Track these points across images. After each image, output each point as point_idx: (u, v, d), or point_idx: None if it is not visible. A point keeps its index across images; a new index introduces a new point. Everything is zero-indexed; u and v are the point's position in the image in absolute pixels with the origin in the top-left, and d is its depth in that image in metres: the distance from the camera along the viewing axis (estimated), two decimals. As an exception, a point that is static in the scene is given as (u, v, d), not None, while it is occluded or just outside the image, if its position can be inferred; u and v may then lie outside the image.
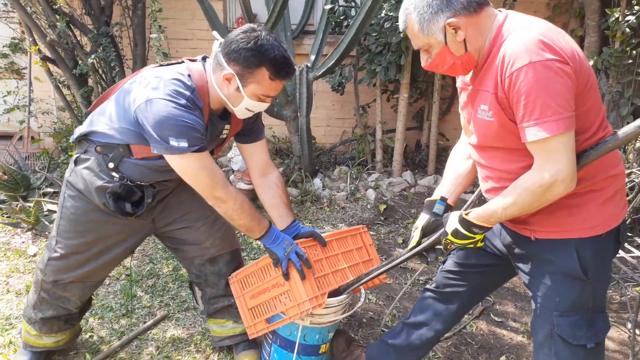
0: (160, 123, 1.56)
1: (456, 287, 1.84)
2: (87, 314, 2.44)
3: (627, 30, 3.44)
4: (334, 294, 1.94)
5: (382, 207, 3.88)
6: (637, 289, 2.61)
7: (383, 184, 4.19)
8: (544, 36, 1.28)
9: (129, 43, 4.32)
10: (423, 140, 4.70)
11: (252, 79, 1.62)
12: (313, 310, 1.80)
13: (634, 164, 3.32)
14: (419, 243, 1.68)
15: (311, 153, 4.14)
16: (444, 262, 1.92)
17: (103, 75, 4.16)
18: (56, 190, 3.79)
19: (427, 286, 1.95)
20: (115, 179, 1.76)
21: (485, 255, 1.76)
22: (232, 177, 3.86)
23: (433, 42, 1.41)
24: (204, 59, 1.77)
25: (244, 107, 1.69)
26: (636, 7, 3.41)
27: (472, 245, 1.51)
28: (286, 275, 1.83)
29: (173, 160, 1.64)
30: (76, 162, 1.81)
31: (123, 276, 2.85)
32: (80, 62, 4.04)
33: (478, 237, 1.48)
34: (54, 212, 3.43)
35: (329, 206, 3.94)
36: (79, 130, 1.82)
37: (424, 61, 1.49)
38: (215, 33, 1.79)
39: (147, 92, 1.60)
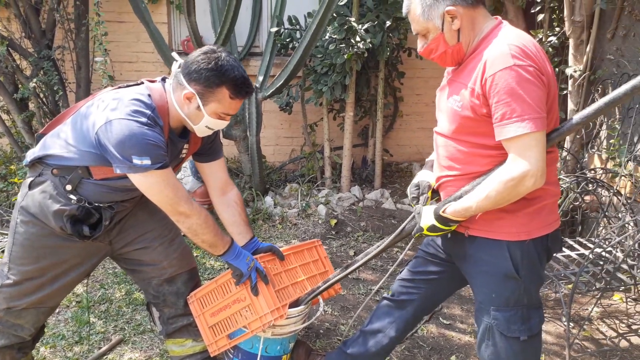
0: (122, 142, 1.59)
1: (409, 294, 1.95)
2: (37, 344, 2.36)
3: (550, 50, 3.78)
4: (293, 305, 2.01)
5: (333, 221, 4.00)
6: (569, 286, 2.85)
7: (333, 199, 4.31)
8: (526, 47, 1.44)
9: (72, 66, 4.25)
10: (369, 156, 4.89)
11: (213, 97, 1.70)
12: (275, 321, 1.86)
13: (561, 171, 3.63)
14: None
15: (262, 172, 4.21)
16: (401, 271, 2.04)
17: (45, 100, 4.06)
18: (-4, 218, 3.63)
19: (384, 294, 2.06)
20: (72, 201, 1.76)
21: (435, 263, 1.89)
22: (183, 198, 3.85)
23: (431, 27, 1.53)
24: (164, 79, 1.82)
25: (204, 125, 1.75)
26: (557, 29, 3.77)
27: (443, 233, 1.63)
28: (255, 289, 1.88)
29: (136, 179, 1.67)
30: (30, 186, 1.79)
31: (73, 303, 2.77)
32: (20, 86, 3.92)
33: (452, 227, 1.60)
34: (-5, 241, 3.29)
35: (281, 223, 4.01)
36: (33, 154, 1.80)
37: (420, 46, 1.61)
38: (174, 54, 1.85)
39: (106, 114, 1.63)
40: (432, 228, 1.61)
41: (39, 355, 2.30)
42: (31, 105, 4.05)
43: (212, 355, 2.07)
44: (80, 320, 2.57)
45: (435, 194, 1.79)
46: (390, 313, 2.00)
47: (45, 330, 2.46)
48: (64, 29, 4.07)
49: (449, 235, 1.67)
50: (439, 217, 1.58)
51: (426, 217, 1.62)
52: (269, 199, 4.23)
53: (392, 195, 4.57)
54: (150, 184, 1.67)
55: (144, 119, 1.63)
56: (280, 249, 2.09)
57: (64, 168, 1.75)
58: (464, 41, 1.55)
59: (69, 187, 1.75)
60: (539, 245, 1.59)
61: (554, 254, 1.75)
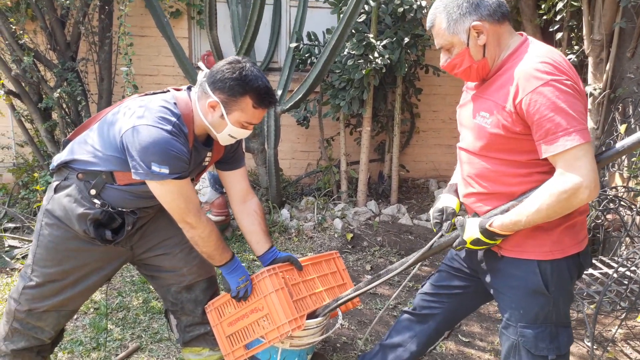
0: (146, 149, 1.62)
1: (432, 309, 1.91)
2: (55, 349, 2.37)
3: (569, 68, 3.76)
4: (311, 317, 1.99)
5: (349, 235, 3.98)
6: (592, 306, 2.79)
7: (349, 213, 4.30)
8: (558, 62, 1.42)
9: (95, 78, 4.33)
10: (385, 171, 4.88)
11: (236, 107, 1.72)
12: (293, 332, 1.85)
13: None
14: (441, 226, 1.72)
15: (279, 184, 4.22)
16: (422, 286, 2.01)
17: (67, 110, 4.14)
18: (17, 225, 3.68)
19: (405, 308, 2.03)
20: (96, 205, 1.78)
21: (460, 278, 1.86)
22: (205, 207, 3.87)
23: (456, 42, 1.52)
24: (189, 88, 1.85)
25: (227, 133, 1.77)
26: (576, 47, 3.76)
27: (486, 247, 1.59)
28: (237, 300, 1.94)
29: (152, 185, 1.70)
30: (56, 190, 1.82)
31: (91, 310, 2.78)
32: (44, 96, 4.01)
33: (497, 242, 1.56)
34: (15, 247, 3.33)
35: (297, 236, 4.00)
36: (59, 158, 1.84)
37: (443, 61, 1.59)
38: (200, 64, 1.89)
39: (132, 121, 1.66)
40: (476, 242, 1.56)
41: (57, 361, 2.31)
42: (54, 115, 4.13)
43: (228, 366, 2.06)
44: (97, 327, 2.58)
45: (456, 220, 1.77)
46: (411, 327, 1.97)
47: (65, 336, 2.48)
48: (88, 42, 4.17)
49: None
50: (484, 231, 1.52)
51: (470, 229, 1.57)
52: (285, 212, 4.24)
53: (408, 210, 4.54)
54: (164, 191, 1.71)
55: (169, 127, 1.66)
56: (300, 259, 2.08)
57: (89, 173, 1.78)
58: (490, 57, 1.53)
59: (93, 192, 1.78)
60: (570, 262, 1.56)
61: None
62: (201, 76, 1.79)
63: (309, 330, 1.96)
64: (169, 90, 1.83)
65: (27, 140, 4.27)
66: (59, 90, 3.84)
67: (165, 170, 1.65)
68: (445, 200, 1.78)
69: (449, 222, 1.71)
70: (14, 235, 3.48)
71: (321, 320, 1.99)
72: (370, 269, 3.56)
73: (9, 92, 4.03)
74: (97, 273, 1.93)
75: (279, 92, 4.17)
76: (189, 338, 2.15)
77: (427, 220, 4.38)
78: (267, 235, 2.08)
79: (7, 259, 3.22)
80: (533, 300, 1.57)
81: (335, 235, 4.02)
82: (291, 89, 4.34)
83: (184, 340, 2.17)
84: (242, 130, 1.78)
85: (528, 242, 1.55)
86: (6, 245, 3.36)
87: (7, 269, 3.17)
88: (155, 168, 1.64)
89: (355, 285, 2.08)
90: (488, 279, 1.70)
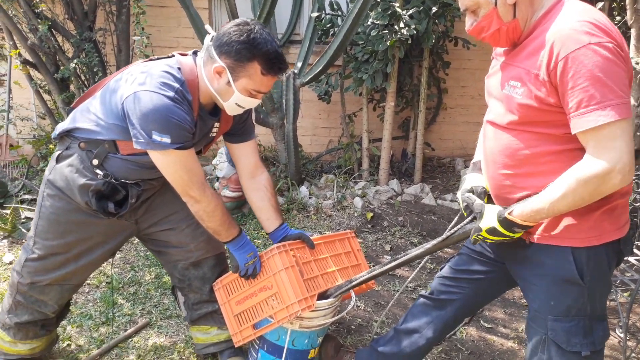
0: (146, 116, 1.52)
1: (450, 294, 1.78)
2: (64, 322, 2.34)
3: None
4: (322, 297, 1.89)
5: (369, 215, 3.85)
6: (626, 293, 2.61)
7: (370, 192, 4.16)
8: (600, 21, 1.22)
9: (113, 49, 4.26)
10: (409, 149, 4.71)
11: (244, 72, 1.59)
12: (302, 312, 1.75)
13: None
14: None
15: (297, 161, 4.10)
16: (441, 269, 1.88)
17: (85, 81, 4.09)
18: (34, 197, 3.67)
19: (422, 292, 1.91)
20: (99, 176, 1.71)
21: (482, 262, 1.71)
22: (216, 184, 3.79)
23: (482, 2, 1.35)
24: (195, 53, 1.73)
25: (234, 102, 1.65)
26: (618, 17, 3.49)
27: (505, 239, 1.42)
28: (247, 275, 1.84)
29: (154, 155, 1.60)
30: (58, 160, 1.74)
31: (103, 284, 2.75)
32: (62, 66, 3.96)
33: (517, 235, 1.39)
34: (32, 219, 3.32)
35: (316, 214, 3.90)
36: (61, 127, 1.76)
37: (469, 24, 1.42)
38: (207, 27, 1.76)
39: (134, 87, 1.56)
40: (492, 231, 1.40)
41: (65, 334, 2.27)
42: (72, 87, 4.09)
43: (236, 346, 1.98)
44: (108, 301, 2.54)
45: (491, 200, 1.60)
46: (428, 312, 1.84)
47: (73, 309, 2.46)
48: (105, 11, 4.08)
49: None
50: (503, 220, 1.37)
51: (487, 217, 1.42)
52: (304, 189, 4.13)
53: (432, 190, 4.38)
54: (166, 162, 1.61)
55: (171, 93, 1.55)
56: (312, 238, 1.97)
57: (91, 142, 1.70)
58: (521, 17, 1.34)
59: (95, 162, 1.70)
60: (609, 249, 1.38)
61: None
62: (208, 40, 1.67)
63: (319, 311, 1.85)
64: (173, 55, 1.71)
65: (45, 112, 4.25)
66: (75, 60, 3.78)
67: (167, 140, 1.54)
68: (472, 179, 1.63)
69: (481, 202, 1.54)
70: (31, 208, 3.47)
71: (333, 302, 1.88)
72: (390, 249, 3.44)
73: (25, 62, 3.99)
74: (101, 247, 1.87)
75: (299, 65, 4.02)
76: (197, 316, 2.09)
77: (452, 201, 4.21)
78: (278, 212, 1.97)
79: (23, 230, 3.21)
80: (566, 291, 1.41)
81: (355, 214, 3.90)
82: (311, 63, 4.18)
83: (191, 318, 2.11)
84: (250, 99, 1.65)
85: (561, 227, 1.38)
86: (22, 217, 3.35)
87: (23, 241, 3.16)
88: (156, 137, 1.54)
89: (372, 267, 1.96)
90: (514, 266, 1.55)
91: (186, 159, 1.62)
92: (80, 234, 1.81)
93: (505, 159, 1.44)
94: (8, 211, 3.26)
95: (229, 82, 1.61)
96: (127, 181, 1.77)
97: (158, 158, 1.61)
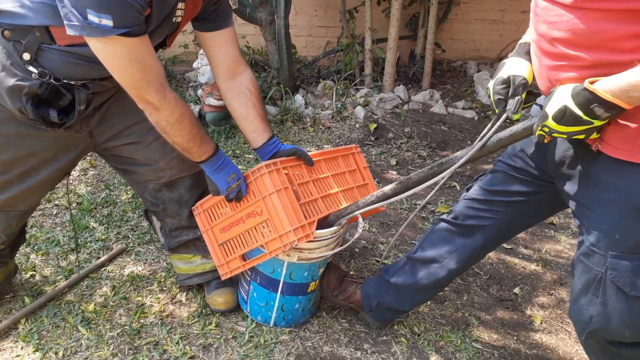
0: None
1: (480, 219, 1.46)
2: (27, 249, 2.05)
3: None
4: (322, 224, 1.57)
5: (373, 126, 3.47)
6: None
7: (373, 100, 3.74)
8: None
9: None
10: (417, 50, 4.21)
11: None
12: (299, 243, 1.43)
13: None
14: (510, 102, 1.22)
15: (291, 64, 3.63)
16: (467, 190, 1.54)
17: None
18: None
19: (443, 216, 1.58)
20: (33, 75, 1.31)
21: (523, 181, 1.37)
22: (199, 91, 3.36)
23: None
24: None
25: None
26: None
27: (582, 137, 1.04)
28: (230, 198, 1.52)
29: (93, 45, 1.19)
30: (-23, 54, 1.32)
31: (74, 205, 2.43)
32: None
33: (597, 123, 1.00)
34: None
35: (313, 126, 3.51)
36: (-25, 9, 1.32)
37: None
38: None
39: None
40: (561, 113, 1.01)
41: (28, 264, 1.98)
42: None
43: (222, 279, 1.69)
44: (79, 225, 2.23)
45: (531, 97, 1.23)
46: (450, 240, 1.54)
47: (39, 234, 2.16)
48: None
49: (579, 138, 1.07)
50: (580, 94, 0.97)
51: (557, 97, 1.03)
52: (299, 98, 3.70)
53: (442, 97, 3.96)
54: (110, 54, 1.20)
55: None
56: (309, 154, 1.60)
57: (17, 29, 1.28)
58: None
59: (26, 56, 1.30)
60: None
61: None
62: None
63: (320, 241, 1.54)
64: None
65: None
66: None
67: (108, 22, 1.12)
68: (512, 66, 1.24)
69: (518, 98, 1.20)
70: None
71: (336, 230, 1.56)
72: (395, 163, 3.10)
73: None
74: (48, 165, 1.51)
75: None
76: (176, 244, 1.78)
77: (464, 109, 3.80)
78: (265, 122, 1.59)
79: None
80: (637, 222, 1.08)
81: (357, 126, 3.51)
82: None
83: (169, 246, 1.81)
84: None
85: None
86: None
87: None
88: (92, 18, 1.11)
89: (378, 185, 1.61)
90: (570, 186, 1.20)
91: (137, 50, 1.21)
92: (20, 149, 1.44)
93: (569, 45, 1.04)
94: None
95: None
96: (72, 82, 1.37)
97: (99, 48, 1.19)
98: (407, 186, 1.42)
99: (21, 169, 1.47)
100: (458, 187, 2.84)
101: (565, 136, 1.05)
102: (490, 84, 1.27)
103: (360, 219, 1.68)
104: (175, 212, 1.71)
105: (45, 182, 1.54)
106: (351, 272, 2.04)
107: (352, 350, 1.67)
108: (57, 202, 2.42)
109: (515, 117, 1.21)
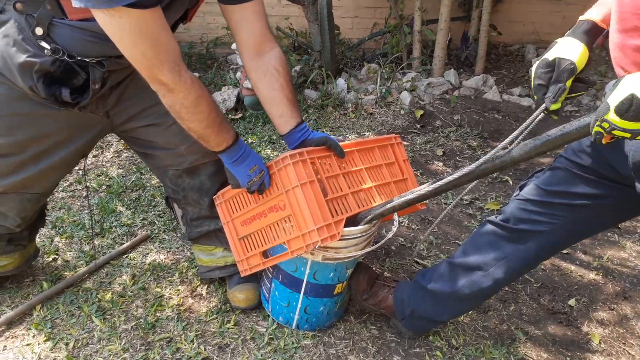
0: None
1: (535, 223, 1.26)
2: (52, 232, 2.01)
3: None
4: (352, 222, 1.40)
5: (419, 112, 3.25)
6: None
7: (421, 85, 3.51)
8: None
9: None
10: (471, 33, 3.94)
11: None
12: (323, 243, 1.28)
13: None
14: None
15: (333, 46, 3.45)
16: (520, 188, 1.33)
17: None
18: None
19: (491, 217, 1.38)
20: (45, 51, 1.21)
21: (590, 182, 1.16)
22: (238, 74, 3.24)
23: None
24: None
25: None
26: None
27: None
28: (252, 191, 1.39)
29: (100, 18, 1.06)
30: (-12, 28, 1.24)
31: (104, 187, 2.38)
32: None
33: None
34: None
35: (355, 112, 3.33)
36: (-14, -21, 1.23)
37: None
38: None
39: None
40: (625, 106, 0.81)
41: (52, 247, 1.93)
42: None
43: (242, 275, 1.57)
44: (105, 208, 2.17)
45: (579, 85, 1.02)
46: (498, 245, 1.34)
47: (65, 216, 2.12)
48: None
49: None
50: None
51: (625, 85, 0.83)
52: (341, 82, 3.52)
53: (497, 83, 3.68)
54: (118, 29, 1.07)
55: None
56: (341, 143, 1.43)
57: (29, 1, 1.20)
58: None
59: (39, 31, 1.21)
60: None
61: None
62: None
63: (347, 240, 1.38)
64: None
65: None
66: None
67: None
68: (561, 47, 1.04)
69: (560, 85, 1.00)
70: None
71: (366, 229, 1.40)
72: (442, 154, 2.87)
73: None
74: (64, 147, 1.43)
75: None
76: (197, 234, 1.68)
77: (520, 96, 3.51)
78: (294, 106, 1.44)
79: None
80: None
81: (401, 112, 3.30)
82: None
83: (190, 236, 1.71)
84: None
85: None
86: None
87: None
88: None
89: (420, 178, 1.43)
90: None
91: (148, 23, 1.07)
92: (33, 130, 1.36)
93: None
94: None
95: None
96: (86, 59, 1.26)
97: (106, 22, 1.07)
98: (455, 184, 1.23)
99: (36, 149, 1.39)
100: (511, 182, 2.60)
101: (628, 135, 0.84)
102: (533, 67, 1.06)
103: (396, 216, 1.51)
104: (196, 201, 1.60)
105: (60, 164, 1.46)
106: (385, 273, 1.87)
107: (381, 361, 1.51)
108: (87, 183, 2.38)
109: (554, 106, 1.00)
